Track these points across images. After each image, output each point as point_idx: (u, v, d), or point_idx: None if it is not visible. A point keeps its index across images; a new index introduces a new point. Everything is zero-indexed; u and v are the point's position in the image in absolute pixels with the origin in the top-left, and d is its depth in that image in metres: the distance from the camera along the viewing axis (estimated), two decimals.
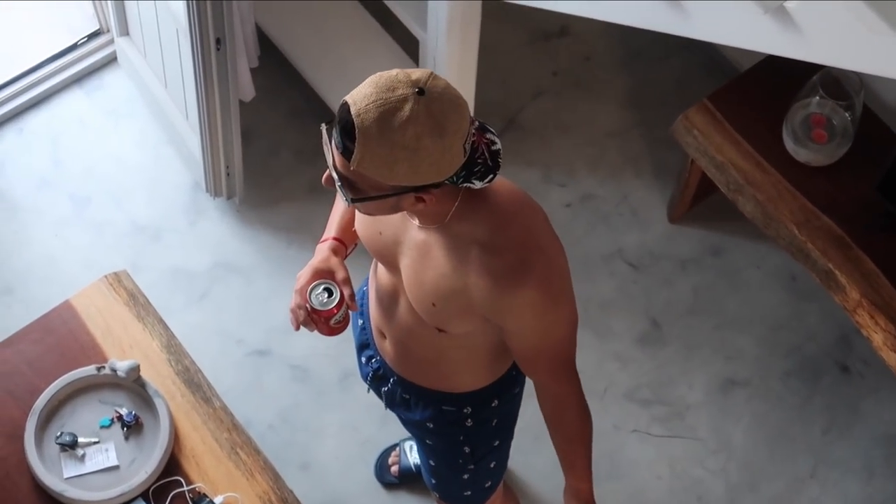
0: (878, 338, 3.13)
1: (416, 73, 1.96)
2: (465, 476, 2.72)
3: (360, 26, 3.83)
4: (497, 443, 2.66)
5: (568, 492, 2.48)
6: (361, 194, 2.04)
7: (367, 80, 1.98)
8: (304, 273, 2.38)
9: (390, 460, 3.38)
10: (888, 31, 2.49)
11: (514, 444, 2.74)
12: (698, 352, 3.58)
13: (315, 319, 2.38)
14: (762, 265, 3.70)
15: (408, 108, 1.93)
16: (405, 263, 2.23)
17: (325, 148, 2.04)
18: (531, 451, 3.39)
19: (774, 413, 3.51)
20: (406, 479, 3.37)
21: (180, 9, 3.13)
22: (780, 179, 3.29)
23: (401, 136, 1.93)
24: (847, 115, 3.25)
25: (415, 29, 3.43)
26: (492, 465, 2.72)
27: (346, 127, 1.95)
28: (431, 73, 1.96)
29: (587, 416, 2.35)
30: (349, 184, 2.03)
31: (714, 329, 3.62)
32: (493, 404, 2.53)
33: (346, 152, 1.97)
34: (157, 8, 3.39)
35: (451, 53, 3.33)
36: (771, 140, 3.34)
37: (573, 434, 2.36)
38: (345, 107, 1.96)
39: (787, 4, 2.51)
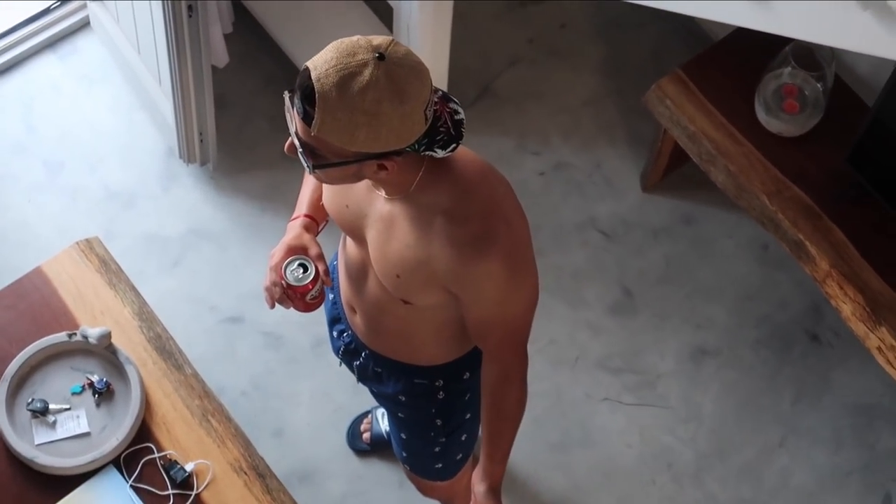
0: (846, 308, 3.15)
1: (378, 39, 1.97)
2: (437, 449, 2.73)
3: None
4: (469, 416, 2.66)
5: (480, 473, 2.45)
6: (323, 161, 2.03)
7: (328, 46, 1.98)
8: (278, 250, 2.38)
9: (362, 427, 3.39)
10: (856, 8, 2.50)
11: None
12: (670, 321, 3.60)
13: (291, 296, 2.38)
14: (734, 235, 3.72)
15: (367, 72, 1.93)
16: (371, 236, 2.23)
17: (288, 115, 2.04)
18: None
19: (744, 382, 3.53)
20: (377, 447, 3.38)
21: None
22: (751, 150, 3.31)
23: (360, 100, 1.93)
24: (819, 85, 3.25)
25: None
26: (463, 438, 2.72)
27: (307, 91, 1.96)
28: (393, 40, 1.97)
29: (524, 400, 2.34)
30: (310, 150, 2.03)
31: (685, 298, 3.63)
32: (465, 377, 2.53)
33: (307, 117, 1.97)
34: None
35: (425, 21, 3.32)
36: (743, 110, 3.34)
37: (507, 412, 2.34)
38: (306, 72, 1.97)
39: None
